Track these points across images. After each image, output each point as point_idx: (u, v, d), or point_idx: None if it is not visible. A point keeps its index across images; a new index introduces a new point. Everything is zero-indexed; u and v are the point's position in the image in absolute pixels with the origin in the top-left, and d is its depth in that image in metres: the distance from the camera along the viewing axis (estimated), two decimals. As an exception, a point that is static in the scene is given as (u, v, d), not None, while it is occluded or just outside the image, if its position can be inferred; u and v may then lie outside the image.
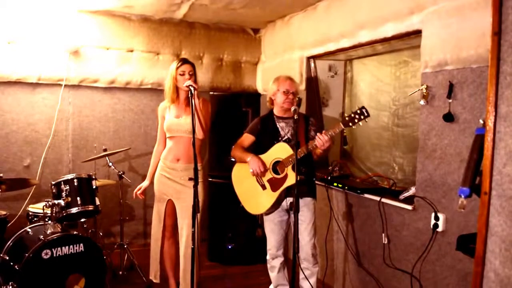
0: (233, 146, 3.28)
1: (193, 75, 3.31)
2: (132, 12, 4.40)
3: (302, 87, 4.12)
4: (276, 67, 4.65)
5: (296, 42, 4.20)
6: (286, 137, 3.13)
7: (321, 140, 2.79)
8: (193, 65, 3.33)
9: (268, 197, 3.07)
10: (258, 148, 3.21)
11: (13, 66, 4.06)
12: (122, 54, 4.46)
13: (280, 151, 3.03)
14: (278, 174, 3.04)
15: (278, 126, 3.16)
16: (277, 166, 3.05)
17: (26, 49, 4.08)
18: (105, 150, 3.88)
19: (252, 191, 3.14)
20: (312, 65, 4.14)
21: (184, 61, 3.30)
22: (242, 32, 4.98)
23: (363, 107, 2.72)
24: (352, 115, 2.72)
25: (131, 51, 4.49)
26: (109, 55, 4.41)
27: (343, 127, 2.77)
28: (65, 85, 4.29)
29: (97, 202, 3.42)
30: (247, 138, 3.28)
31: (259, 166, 3.05)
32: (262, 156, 3.12)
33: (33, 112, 4.26)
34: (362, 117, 2.71)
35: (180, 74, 3.25)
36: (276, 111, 3.22)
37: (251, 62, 5.07)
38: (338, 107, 4.32)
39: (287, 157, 2.98)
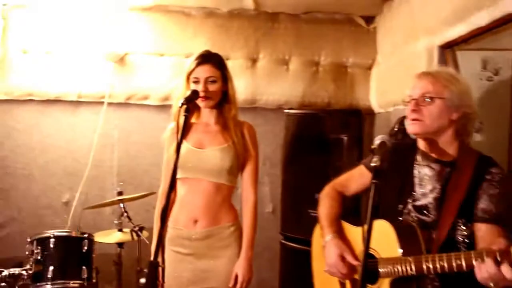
0: (327, 186, 1.89)
1: (220, 80, 2.01)
2: (190, 5, 3.32)
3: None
4: (392, 68, 3.00)
5: (420, 24, 2.52)
6: (422, 202, 1.58)
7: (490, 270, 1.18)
8: (219, 63, 2.04)
9: None
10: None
11: (51, 81, 3.36)
12: (179, 61, 3.38)
13: (384, 236, 1.50)
14: (372, 283, 1.53)
15: (416, 171, 1.62)
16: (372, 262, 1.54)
17: (64, 60, 3.35)
18: (120, 193, 2.79)
19: (327, 280, 1.77)
20: (451, 60, 2.38)
21: (202, 59, 2.02)
22: (347, 23, 3.44)
23: None
24: None
25: (191, 56, 3.39)
26: (162, 63, 3.41)
27: None
28: (109, 103, 3.41)
29: (86, 274, 2.31)
30: (360, 177, 1.82)
31: (338, 267, 1.64)
32: (354, 232, 1.70)
33: (74, 136, 3.48)
34: None
35: (194, 82, 1.99)
36: (421, 143, 1.64)
37: (361, 65, 3.47)
38: (502, 131, 2.41)
39: (393, 259, 1.44)
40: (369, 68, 3.48)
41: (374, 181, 1.30)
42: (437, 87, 1.52)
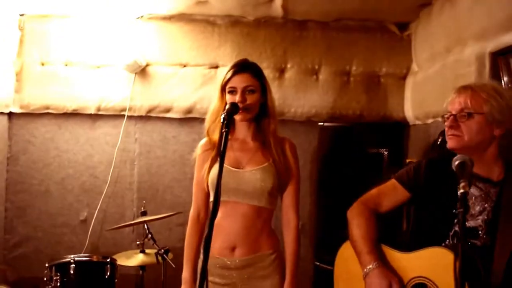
0: (356, 203, 1.71)
1: (258, 91, 1.82)
2: (215, 13, 3.16)
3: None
4: (432, 77, 2.79)
5: (468, 29, 2.32)
6: (470, 224, 1.46)
7: None
8: (258, 73, 1.85)
9: None
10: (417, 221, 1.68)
11: (70, 94, 3.21)
12: (203, 72, 3.24)
13: (441, 265, 1.37)
14: None
15: (461, 191, 1.42)
16: None
17: (83, 72, 3.21)
18: (143, 213, 2.60)
19: None
20: (504, 68, 2.19)
21: (240, 68, 1.82)
22: (379, 30, 3.25)
23: None
24: None
25: (216, 67, 3.23)
26: (185, 74, 3.25)
27: None
28: (129, 116, 3.26)
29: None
30: (393, 193, 1.66)
31: None
32: (398, 258, 1.54)
33: (93, 151, 3.32)
34: None
35: (230, 92, 1.80)
36: None
37: (395, 75, 3.27)
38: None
39: None
40: (404, 77, 3.28)
41: (460, 210, 1.11)
42: (476, 102, 1.45)
